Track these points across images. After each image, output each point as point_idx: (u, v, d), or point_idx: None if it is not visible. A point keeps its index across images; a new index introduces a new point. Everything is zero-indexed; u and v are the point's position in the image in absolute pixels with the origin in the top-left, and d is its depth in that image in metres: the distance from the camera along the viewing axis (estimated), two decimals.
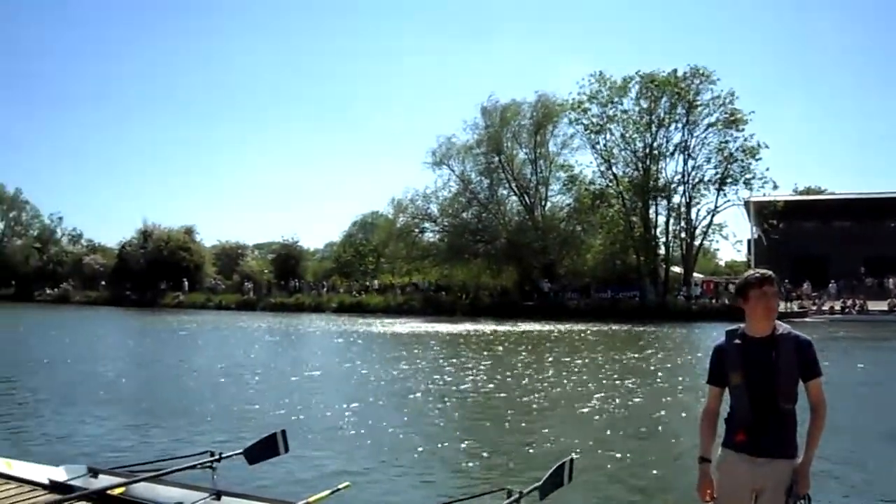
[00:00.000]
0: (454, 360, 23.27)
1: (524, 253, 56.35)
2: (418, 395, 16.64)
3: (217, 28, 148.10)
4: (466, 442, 11.71)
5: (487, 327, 39.00)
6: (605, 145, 56.36)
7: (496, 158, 59.57)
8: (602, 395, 16.29)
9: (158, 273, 68.85)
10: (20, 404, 15.56)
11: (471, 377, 19.41)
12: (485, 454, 10.80)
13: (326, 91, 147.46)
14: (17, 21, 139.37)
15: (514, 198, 61.13)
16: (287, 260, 69.35)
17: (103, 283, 75.58)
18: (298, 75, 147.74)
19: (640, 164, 55.54)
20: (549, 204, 61.05)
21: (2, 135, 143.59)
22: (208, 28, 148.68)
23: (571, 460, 5.88)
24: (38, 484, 7.16)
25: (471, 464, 10.31)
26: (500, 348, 28.03)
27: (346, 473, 8.99)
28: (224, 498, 6.52)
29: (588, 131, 56.16)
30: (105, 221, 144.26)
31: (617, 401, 15.57)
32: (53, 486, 7.08)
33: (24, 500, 6.66)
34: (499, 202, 60.94)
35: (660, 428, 12.96)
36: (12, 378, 19.15)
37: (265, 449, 7.00)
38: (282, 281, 66.04)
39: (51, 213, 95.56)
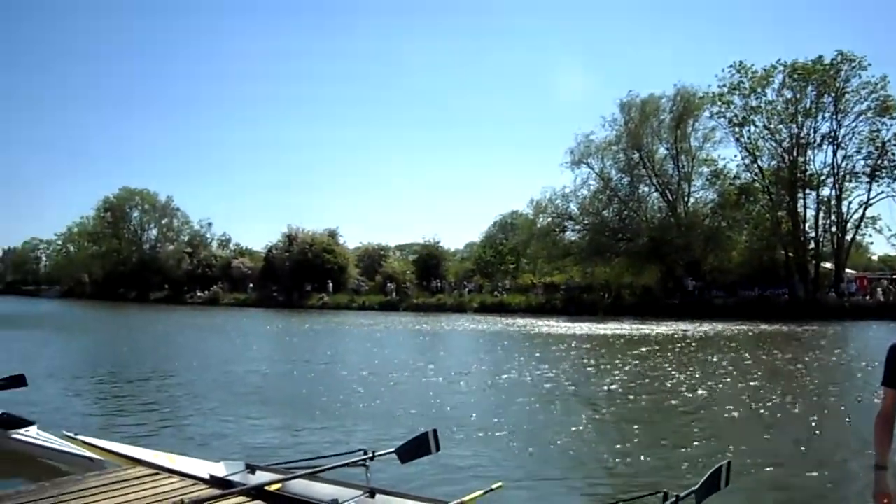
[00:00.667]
0: (599, 361, 23.33)
1: (667, 250, 55.94)
2: (565, 395, 16.70)
3: (349, 26, 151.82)
4: (616, 444, 11.59)
5: (631, 327, 38.98)
6: (748, 137, 55.67)
7: (636, 154, 59.49)
8: (754, 396, 16.02)
9: (303, 275, 70.93)
10: (179, 403, 16.29)
11: (616, 378, 19.37)
12: (636, 457, 10.65)
13: (464, 92, 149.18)
14: (157, 28, 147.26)
15: (656, 194, 60.83)
16: (428, 261, 70.42)
17: (251, 285, 78.61)
18: (441, 76, 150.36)
19: (786, 156, 54.51)
20: (692, 200, 60.31)
21: (153, 144, 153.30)
22: (343, 26, 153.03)
23: (728, 464, 5.83)
24: (198, 478, 7.56)
25: (622, 466, 10.30)
26: (645, 348, 27.74)
27: (498, 474, 9.02)
28: (378, 496, 6.75)
29: (731, 124, 55.44)
30: (252, 226, 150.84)
31: (770, 403, 15.24)
32: (213, 481, 7.50)
33: (186, 493, 6.85)
34: (640, 199, 60.79)
35: (818, 432, 12.59)
36: (170, 377, 20.36)
37: (417, 448, 7.21)
38: (423, 281, 67.25)
39: (200, 219, 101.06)
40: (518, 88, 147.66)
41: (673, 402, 15.78)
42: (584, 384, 18.41)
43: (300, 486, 7.13)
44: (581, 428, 12.90)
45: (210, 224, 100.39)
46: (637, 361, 23.16)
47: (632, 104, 59.27)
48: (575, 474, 9.98)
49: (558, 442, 11.74)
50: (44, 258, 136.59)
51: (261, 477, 7.49)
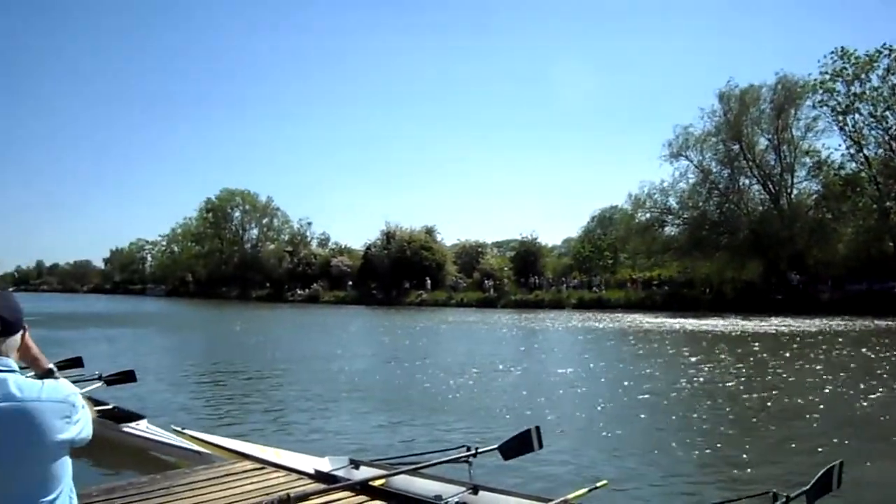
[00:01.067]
0: (702, 358, 22.99)
1: (769, 244, 54.89)
2: (668, 393, 16.42)
3: (443, 26, 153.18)
4: (722, 443, 11.53)
5: (733, 322, 38.62)
6: (853, 126, 54.08)
7: (736, 146, 58.61)
8: (869, 397, 15.40)
9: (402, 272, 72.44)
10: (281, 398, 16.64)
11: (721, 376, 19.13)
12: (743, 457, 10.49)
13: (561, 87, 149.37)
14: (258, 30, 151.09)
15: (757, 186, 59.81)
16: (526, 257, 70.38)
17: (350, 283, 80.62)
18: (538, 72, 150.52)
19: (893, 144, 52.99)
20: (794, 191, 58.93)
21: (254, 146, 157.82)
22: (439, 25, 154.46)
23: (840, 464, 5.69)
24: (304, 473, 7.67)
25: (728, 467, 10.16)
26: (750, 345, 27.00)
27: (601, 472, 9.01)
28: (481, 492, 6.71)
29: (834, 112, 54.13)
30: (350, 224, 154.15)
31: (889, 405, 14.64)
32: (318, 476, 7.57)
33: (291, 487, 6.90)
34: (740, 192, 59.85)
35: None
36: (273, 373, 20.98)
37: (520, 445, 7.11)
38: (521, 278, 67.29)
39: (300, 219, 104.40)
40: (614, 80, 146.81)
41: (784, 401, 15.37)
42: (687, 382, 18.11)
43: (404, 481, 7.22)
44: (686, 427, 12.80)
45: (310, 223, 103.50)
46: (742, 359, 22.72)
47: (731, 94, 58.36)
48: (680, 474, 9.92)
49: (663, 440, 11.64)
50: (149, 258, 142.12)
51: (365, 472, 7.55)
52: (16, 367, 2.57)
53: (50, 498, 2.51)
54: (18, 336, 2.65)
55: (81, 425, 2.60)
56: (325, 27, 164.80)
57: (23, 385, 2.48)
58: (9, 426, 2.41)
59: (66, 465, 2.59)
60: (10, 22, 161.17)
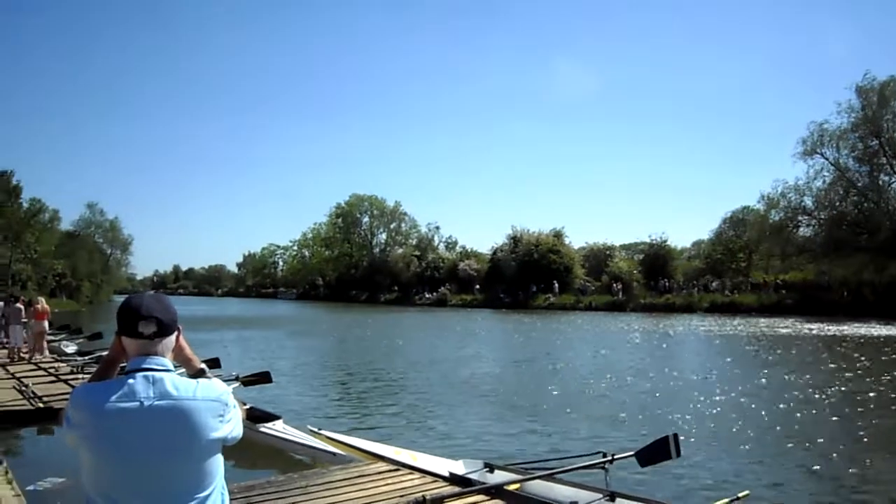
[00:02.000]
0: (843, 365, 22.07)
1: None
2: (809, 402, 15.82)
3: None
4: (871, 457, 10.88)
5: (874, 328, 37.60)
6: None
7: (875, 142, 56.78)
8: None
9: (529, 276, 72.79)
10: (413, 400, 16.89)
11: (866, 384, 18.34)
12: (891, 478, 9.98)
13: (691, 86, 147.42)
14: (390, 36, 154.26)
15: None
16: (655, 259, 70.06)
17: (477, 286, 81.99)
18: (666, 72, 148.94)
19: None
20: None
21: (382, 152, 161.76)
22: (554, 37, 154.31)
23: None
24: (438, 476, 7.72)
25: (877, 484, 9.62)
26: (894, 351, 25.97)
27: (742, 482, 8.77)
28: (618, 500, 6.68)
29: None
30: (477, 229, 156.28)
31: None
32: (453, 479, 7.58)
33: (426, 490, 7.05)
34: (880, 190, 57.82)
35: None
36: (405, 375, 21.49)
37: (657, 452, 7.03)
38: (651, 281, 67.06)
39: (428, 223, 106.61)
40: (749, 75, 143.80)
41: None
42: (829, 391, 17.34)
43: (539, 486, 7.19)
44: (831, 439, 12.20)
45: (437, 227, 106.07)
46: (888, 367, 21.64)
47: (869, 88, 56.38)
48: (826, 489, 9.60)
49: (806, 452, 11.24)
50: (280, 262, 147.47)
51: (499, 476, 7.63)
52: (171, 366, 2.69)
53: (205, 494, 2.63)
54: (173, 337, 2.75)
55: (234, 424, 2.71)
56: (442, 38, 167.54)
57: (179, 384, 2.59)
58: (166, 423, 2.53)
59: (218, 462, 2.70)
60: (164, 38, 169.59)
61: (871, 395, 16.80)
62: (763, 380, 19.58)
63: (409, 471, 8.02)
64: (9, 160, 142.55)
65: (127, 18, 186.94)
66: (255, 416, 10.91)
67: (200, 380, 2.71)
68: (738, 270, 66.36)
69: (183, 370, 2.87)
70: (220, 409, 2.65)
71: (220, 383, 2.75)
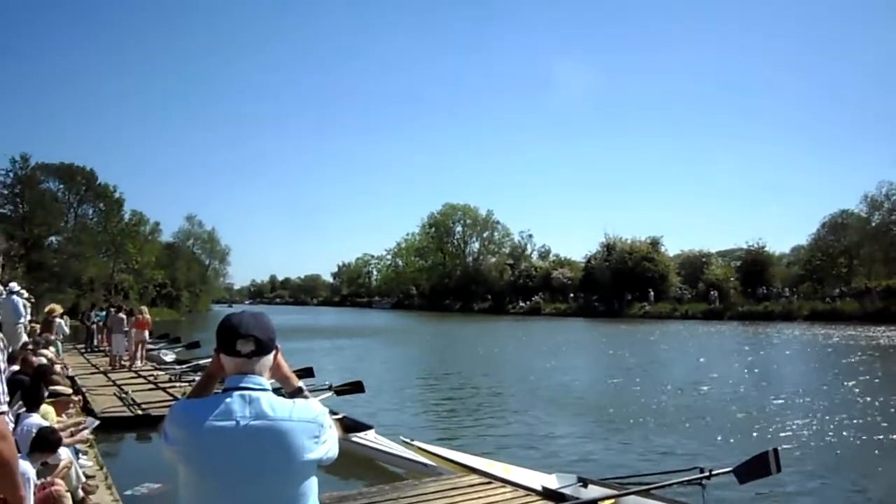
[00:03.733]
0: None
1: None
2: None
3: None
4: None
5: None
6: None
7: None
8: None
9: (624, 284, 72.25)
10: (507, 412, 16.99)
11: None
12: None
13: (785, 85, 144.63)
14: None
15: None
16: (753, 266, 68.93)
17: (571, 295, 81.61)
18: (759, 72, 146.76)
19: None
20: None
21: (474, 161, 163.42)
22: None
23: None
24: (531, 489, 7.77)
25: None
26: None
27: (844, 499, 8.87)
28: None
29: None
30: (571, 237, 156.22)
31: None
32: (546, 493, 7.62)
33: (519, 503, 7.28)
34: None
35: None
36: (499, 387, 21.61)
37: (756, 468, 6.84)
38: (748, 288, 66.03)
39: (521, 231, 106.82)
40: (842, 78, 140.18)
41: None
42: None
43: (633, 502, 7.22)
44: None
45: (531, 235, 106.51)
46: None
47: None
48: None
49: None
50: (374, 272, 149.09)
51: (593, 491, 7.59)
52: (268, 386, 2.66)
53: None
54: (271, 356, 2.73)
55: (329, 445, 2.68)
56: (531, 49, 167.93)
57: (275, 404, 2.58)
58: (261, 444, 2.52)
59: (313, 484, 2.66)
60: (268, 50, 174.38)
61: None
62: (867, 394, 18.73)
63: (501, 484, 8.10)
64: (111, 173, 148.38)
65: (234, 32, 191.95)
66: (347, 426, 10.97)
67: (297, 400, 2.71)
68: (838, 276, 64.67)
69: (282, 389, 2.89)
70: (315, 430, 2.62)
71: (316, 403, 2.74)
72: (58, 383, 9.55)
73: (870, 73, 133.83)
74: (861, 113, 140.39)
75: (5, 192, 65.02)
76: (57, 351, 18.11)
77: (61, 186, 74.96)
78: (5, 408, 2.76)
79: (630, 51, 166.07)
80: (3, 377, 2.82)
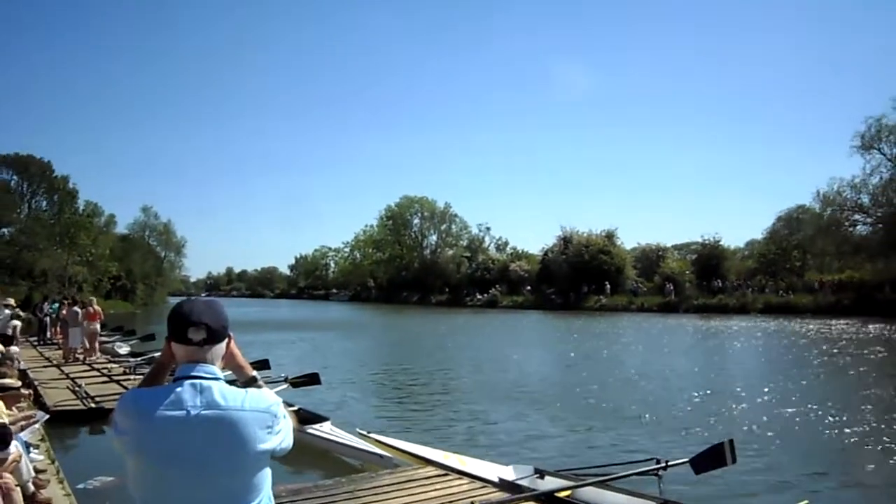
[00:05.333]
0: None
1: None
2: (872, 409, 15.18)
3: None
4: None
5: None
6: None
7: None
8: None
9: (580, 277, 72.39)
10: (464, 404, 16.84)
11: None
12: None
13: (742, 82, 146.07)
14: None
15: None
16: (708, 260, 69.47)
17: (528, 287, 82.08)
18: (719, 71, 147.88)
19: None
20: None
21: (431, 153, 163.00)
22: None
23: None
24: (488, 481, 7.83)
25: None
26: None
27: (801, 490, 8.78)
28: None
29: None
30: (528, 229, 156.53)
31: None
32: (503, 485, 7.68)
33: (475, 496, 7.15)
34: None
35: None
36: (456, 379, 21.64)
37: (712, 458, 6.88)
38: (703, 281, 66.46)
39: (478, 224, 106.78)
40: (800, 76, 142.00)
41: None
42: (888, 397, 16.82)
43: (590, 493, 7.18)
44: (890, 447, 11.72)
45: (488, 228, 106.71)
46: None
47: None
48: (886, 496, 9.52)
49: (867, 460, 10.96)
50: (332, 264, 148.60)
51: (550, 483, 7.54)
52: (220, 374, 2.60)
53: None
54: (224, 344, 2.68)
55: (283, 435, 2.63)
56: (510, 47, 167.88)
57: (227, 393, 2.51)
58: (212, 434, 2.46)
59: (266, 475, 2.62)
60: (219, 40, 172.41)
61: None
62: (821, 384, 19.31)
63: (457, 476, 8.11)
64: (65, 165, 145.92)
65: (183, 22, 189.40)
66: (302, 418, 10.88)
67: (250, 389, 2.64)
68: (792, 270, 65.31)
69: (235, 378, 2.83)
70: (268, 420, 2.56)
71: (270, 393, 2.67)
72: (7, 376, 9.39)
73: (826, 70, 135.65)
74: (818, 109, 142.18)
75: None
76: None
77: (15, 177, 74.01)
78: None
79: (586, 47, 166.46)
80: None
